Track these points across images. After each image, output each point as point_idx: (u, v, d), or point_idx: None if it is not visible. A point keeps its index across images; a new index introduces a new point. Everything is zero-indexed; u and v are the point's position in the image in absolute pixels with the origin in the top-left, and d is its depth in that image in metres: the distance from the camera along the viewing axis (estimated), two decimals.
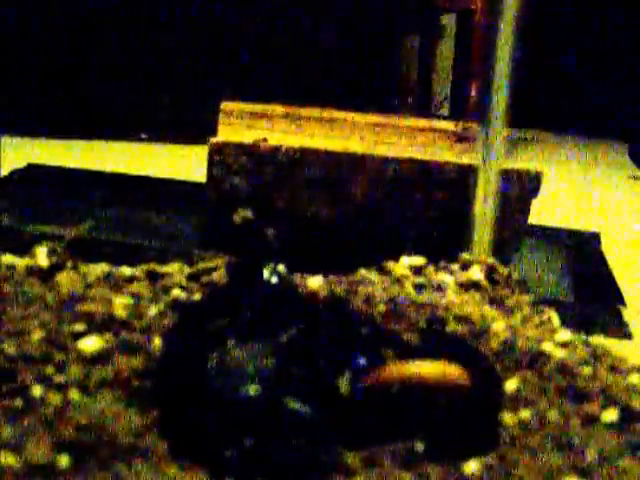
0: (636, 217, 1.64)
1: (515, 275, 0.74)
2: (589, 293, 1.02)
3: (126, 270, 0.66)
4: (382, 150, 0.95)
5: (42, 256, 0.66)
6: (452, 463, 0.46)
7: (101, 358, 0.52)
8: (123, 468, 0.43)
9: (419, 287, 0.69)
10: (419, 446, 0.47)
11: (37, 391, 0.48)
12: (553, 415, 0.51)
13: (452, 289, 0.69)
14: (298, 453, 0.45)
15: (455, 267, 0.74)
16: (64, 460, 0.42)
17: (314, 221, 0.93)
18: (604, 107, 2.75)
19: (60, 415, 0.46)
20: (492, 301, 0.69)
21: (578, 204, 1.71)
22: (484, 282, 0.71)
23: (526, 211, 0.93)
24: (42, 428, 0.45)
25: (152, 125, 2.01)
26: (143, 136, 1.99)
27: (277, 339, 0.52)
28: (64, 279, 0.63)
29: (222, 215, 0.91)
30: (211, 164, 0.94)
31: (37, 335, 0.53)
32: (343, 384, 0.50)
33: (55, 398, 0.48)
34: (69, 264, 0.65)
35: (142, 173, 1.52)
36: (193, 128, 1.88)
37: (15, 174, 1.35)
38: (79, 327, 0.55)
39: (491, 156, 0.83)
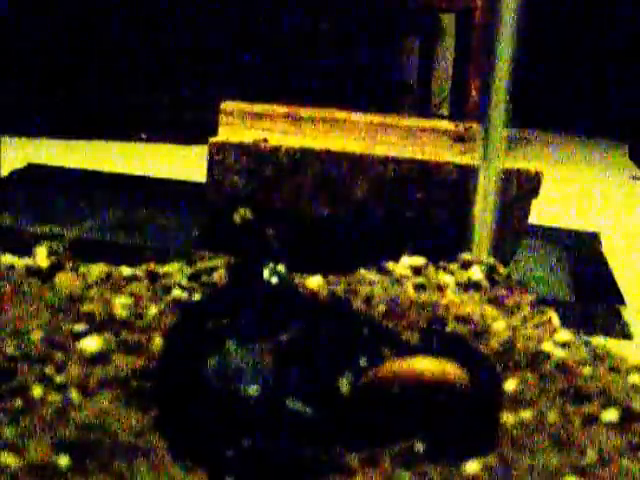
0: (636, 217, 1.64)
1: (515, 275, 0.74)
2: (589, 293, 1.02)
3: (126, 270, 0.66)
4: (382, 150, 0.95)
5: (42, 256, 0.66)
6: (452, 463, 0.46)
7: (101, 358, 0.52)
8: (123, 468, 0.43)
9: (419, 287, 0.69)
10: (419, 446, 0.47)
11: (37, 391, 0.48)
12: (553, 415, 0.51)
13: (452, 289, 0.69)
14: (298, 453, 0.45)
15: (455, 267, 0.74)
16: (64, 460, 0.42)
17: (314, 221, 0.93)
18: (604, 107, 2.75)
19: (60, 415, 0.46)
20: (492, 301, 0.69)
21: (578, 204, 1.71)
22: (484, 282, 0.71)
23: (526, 211, 0.93)
24: (42, 428, 0.45)
25: (152, 125, 2.01)
26: (143, 136, 1.99)
27: (277, 339, 0.52)
28: (64, 279, 0.63)
29: (222, 215, 0.91)
30: (211, 164, 0.94)
31: (37, 335, 0.53)
32: (343, 384, 0.50)
33: (55, 398, 0.48)
34: (69, 264, 0.65)
35: (142, 173, 1.52)
36: (193, 128, 1.88)
37: (15, 174, 1.35)
38: (79, 327, 0.55)
39: (491, 156, 0.83)
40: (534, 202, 0.93)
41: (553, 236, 1.28)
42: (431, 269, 0.73)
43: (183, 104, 2.04)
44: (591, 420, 0.51)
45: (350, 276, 0.69)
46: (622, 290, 1.04)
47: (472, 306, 0.65)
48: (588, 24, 2.83)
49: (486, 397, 0.51)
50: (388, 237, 0.92)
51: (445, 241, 0.89)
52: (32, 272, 0.64)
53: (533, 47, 2.01)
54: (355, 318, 0.59)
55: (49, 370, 0.50)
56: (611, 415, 0.51)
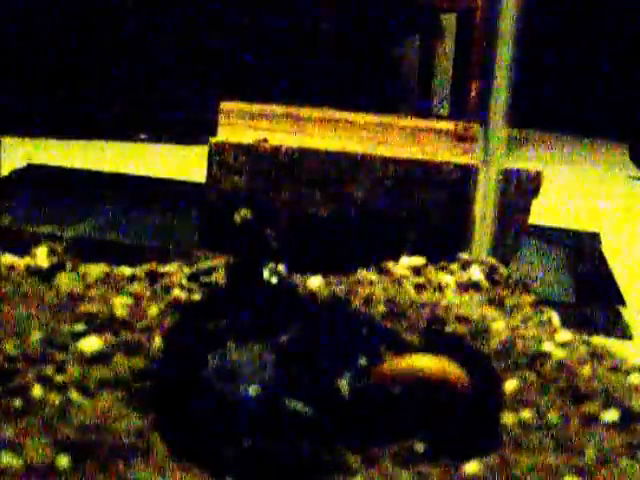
0: (636, 217, 1.64)
1: (515, 275, 0.74)
2: (589, 293, 1.02)
3: (126, 270, 0.66)
4: (382, 150, 0.95)
5: (42, 256, 0.66)
6: (452, 463, 0.46)
7: (101, 358, 0.52)
8: (123, 468, 0.43)
9: (419, 287, 0.69)
10: (419, 446, 0.47)
11: (37, 391, 0.48)
12: (553, 415, 0.51)
13: (452, 289, 0.69)
14: (298, 453, 0.45)
15: (455, 267, 0.73)
16: (64, 460, 0.42)
17: (314, 221, 0.93)
18: (604, 107, 2.74)
19: (60, 415, 0.46)
20: (492, 301, 0.69)
21: (578, 204, 1.71)
22: (484, 282, 0.71)
23: (526, 211, 0.93)
24: (42, 428, 0.45)
25: (152, 125, 2.01)
26: (143, 136, 1.99)
27: (277, 339, 0.52)
28: (64, 279, 0.63)
29: (222, 215, 0.91)
30: (211, 164, 0.94)
31: (37, 335, 0.53)
32: (343, 384, 0.50)
33: (55, 398, 0.48)
34: (69, 264, 0.65)
35: (142, 173, 1.52)
36: (193, 128, 1.88)
37: (15, 174, 1.35)
38: (79, 327, 0.55)
39: (491, 156, 0.83)
40: (534, 202, 0.93)
41: (553, 236, 1.28)
42: (431, 269, 0.73)
43: (183, 104, 2.04)
44: (591, 420, 0.51)
45: (350, 276, 0.69)
46: (622, 290, 1.04)
47: (472, 306, 0.65)
48: (588, 24, 2.83)
49: (486, 397, 0.51)
50: (388, 237, 0.92)
51: (445, 241, 0.89)
52: (32, 272, 0.64)
53: (533, 47, 2.02)
54: (355, 318, 0.59)
55: (49, 370, 0.50)
56: (611, 415, 0.51)
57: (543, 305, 0.69)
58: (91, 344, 0.53)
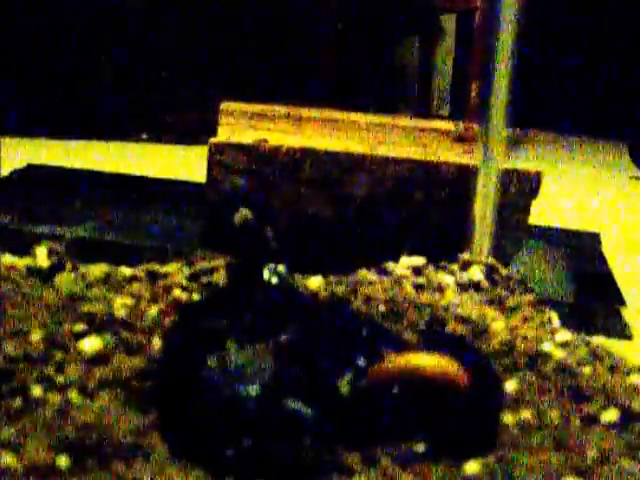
0: (636, 217, 1.64)
1: (515, 275, 0.74)
2: (589, 293, 1.02)
3: (126, 270, 0.66)
4: (382, 150, 0.95)
5: (42, 256, 0.66)
6: (452, 463, 0.46)
7: (101, 358, 0.52)
8: (123, 468, 0.43)
9: (419, 287, 0.69)
10: (419, 446, 0.47)
11: (37, 391, 0.48)
12: (553, 415, 0.51)
13: (452, 289, 0.69)
14: (298, 453, 0.45)
15: (455, 267, 0.74)
16: (64, 460, 0.42)
17: (314, 221, 0.93)
18: (604, 107, 2.74)
19: (60, 415, 0.46)
20: (492, 301, 0.69)
21: (578, 204, 1.71)
22: (484, 282, 0.71)
23: (526, 211, 0.93)
24: (42, 428, 0.45)
25: (152, 125, 2.01)
26: (143, 136, 1.99)
27: (277, 339, 0.52)
28: (64, 279, 0.63)
29: (222, 215, 0.91)
30: (211, 164, 0.94)
31: (37, 335, 0.53)
32: (343, 384, 0.50)
33: (55, 398, 0.48)
34: (69, 264, 0.65)
35: (142, 173, 1.52)
36: (193, 128, 1.88)
37: (15, 174, 1.35)
38: (79, 327, 0.55)
39: (491, 156, 0.83)
40: (534, 202, 0.93)
41: (553, 236, 1.28)
42: (431, 269, 0.73)
43: (183, 104, 2.04)
44: (591, 420, 0.51)
45: (350, 276, 0.69)
46: (622, 290, 1.04)
47: (472, 306, 0.65)
48: (588, 24, 2.83)
49: (486, 397, 0.51)
50: (388, 237, 0.92)
51: (445, 241, 0.89)
52: (32, 272, 0.64)
53: (533, 47, 2.01)
54: (355, 318, 0.59)
55: (49, 370, 0.50)
56: (611, 415, 0.51)
57: (543, 305, 0.69)
58: (91, 344, 0.53)
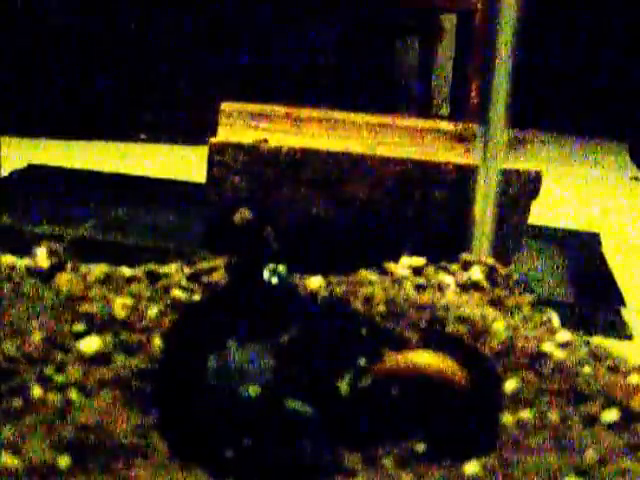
0: (636, 217, 1.64)
1: (515, 275, 0.74)
2: (589, 293, 1.02)
3: (126, 270, 0.66)
4: (382, 150, 0.95)
5: (42, 256, 0.66)
6: (452, 463, 0.46)
7: (101, 358, 0.52)
8: (123, 468, 0.43)
9: (419, 287, 0.69)
10: (419, 446, 0.47)
11: (37, 391, 0.48)
12: (553, 415, 0.51)
13: (452, 289, 0.69)
14: (298, 453, 0.45)
15: (455, 267, 0.73)
16: (64, 460, 0.42)
17: (314, 221, 0.93)
18: (604, 107, 2.74)
19: (60, 415, 0.46)
20: (492, 301, 0.69)
21: (578, 204, 1.71)
22: (484, 282, 0.71)
23: (526, 211, 0.93)
24: (42, 428, 0.45)
25: (152, 125, 2.01)
26: (143, 136, 1.99)
27: (277, 339, 0.52)
28: (64, 279, 0.63)
29: (222, 215, 0.91)
30: (211, 164, 0.94)
31: (37, 335, 0.53)
32: (343, 384, 0.50)
33: (55, 398, 0.48)
34: (69, 264, 0.65)
35: (142, 173, 1.52)
36: (193, 128, 1.88)
37: (15, 174, 1.35)
38: (79, 327, 0.55)
39: (491, 156, 0.83)
40: (534, 202, 0.93)
41: (553, 236, 1.28)
42: (431, 269, 0.73)
43: (183, 104, 2.04)
44: (591, 420, 0.51)
45: (350, 276, 0.69)
46: (622, 290, 1.04)
47: (472, 306, 0.65)
48: (588, 23, 2.83)
49: (486, 397, 0.51)
50: (388, 237, 0.92)
51: (445, 241, 0.89)
52: (32, 272, 0.64)
53: (533, 47, 2.02)
54: (355, 318, 0.59)
55: (49, 370, 0.50)
56: (611, 415, 0.51)
57: (543, 305, 0.69)
58: (91, 344, 0.53)
